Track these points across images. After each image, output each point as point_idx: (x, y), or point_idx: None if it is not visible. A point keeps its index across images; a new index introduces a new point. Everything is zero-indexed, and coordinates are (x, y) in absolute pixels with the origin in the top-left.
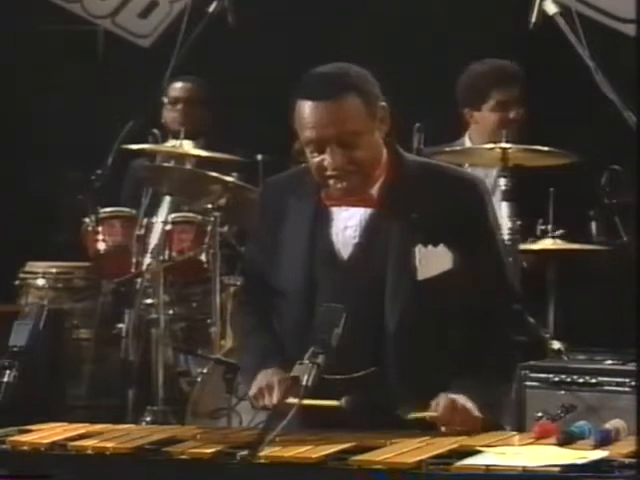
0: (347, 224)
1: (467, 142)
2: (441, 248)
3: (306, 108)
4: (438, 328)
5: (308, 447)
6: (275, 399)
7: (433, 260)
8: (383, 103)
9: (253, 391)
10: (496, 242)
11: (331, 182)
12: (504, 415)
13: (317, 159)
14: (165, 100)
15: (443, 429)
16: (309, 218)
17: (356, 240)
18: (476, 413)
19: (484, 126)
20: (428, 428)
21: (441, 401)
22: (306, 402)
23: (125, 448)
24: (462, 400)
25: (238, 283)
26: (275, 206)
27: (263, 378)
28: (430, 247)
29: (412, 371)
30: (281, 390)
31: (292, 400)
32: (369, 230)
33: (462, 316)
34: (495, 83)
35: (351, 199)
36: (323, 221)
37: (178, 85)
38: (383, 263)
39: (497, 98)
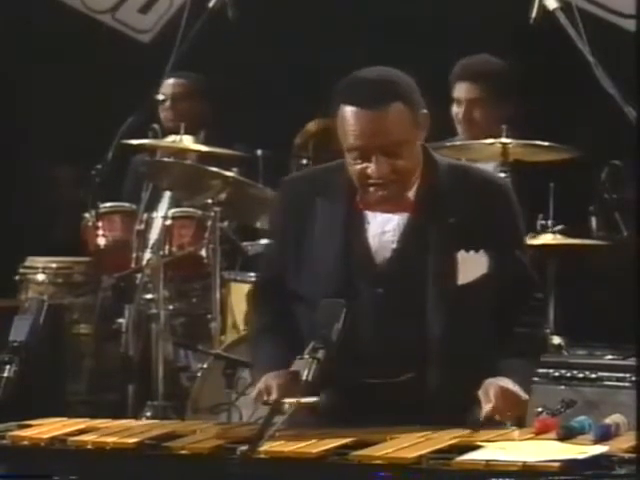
0: (384, 228)
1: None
2: (480, 253)
3: (352, 115)
4: (476, 329)
5: (308, 442)
6: (271, 399)
7: (471, 265)
8: (424, 110)
9: (254, 393)
10: (522, 240)
11: (372, 189)
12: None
13: (360, 166)
14: (159, 97)
15: (497, 417)
16: (342, 221)
17: (394, 245)
18: (523, 395)
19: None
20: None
21: (490, 391)
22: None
23: (125, 443)
24: (510, 385)
25: (238, 278)
26: (298, 206)
27: (265, 380)
28: (471, 252)
29: (455, 373)
30: (280, 391)
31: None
32: (407, 235)
33: (494, 312)
34: (456, 79)
35: (388, 204)
36: (358, 225)
37: (167, 82)
38: (423, 268)
39: (454, 94)
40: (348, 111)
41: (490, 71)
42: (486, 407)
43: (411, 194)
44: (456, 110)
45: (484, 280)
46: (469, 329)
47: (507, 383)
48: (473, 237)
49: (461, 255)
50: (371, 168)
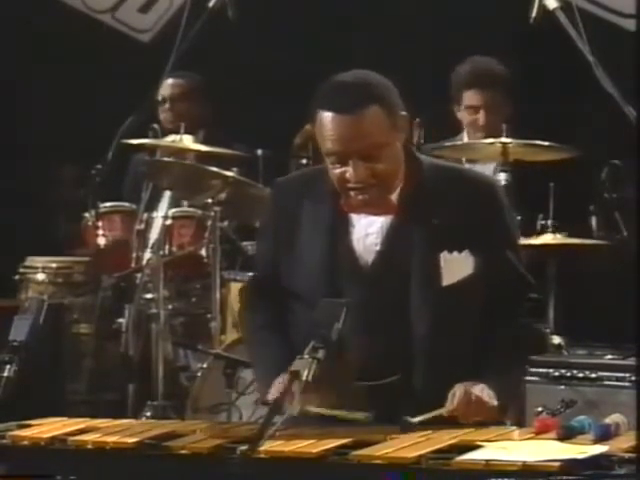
0: (368, 231)
1: (465, 138)
2: (464, 254)
3: (328, 120)
4: (462, 330)
5: (308, 442)
6: (295, 404)
7: (456, 266)
8: (403, 112)
9: (273, 396)
10: (513, 240)
11: (352, 193)
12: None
13: (339, 170)
14: (158, 98)
15: (462, 420)
16: (327, 224)
17: (378, 247)
18: (491, 402)
19: (464, 125)
20: (448, 423)
21: (456, 393)
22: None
23: (125, 443)
24: (477, 390)
25: (238, 277)
26: (288, 207)
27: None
28: (455, 253)
29: (441, 375)
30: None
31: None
32: (391, 237)
33: (482, 313)
34: (467, 85)
35: (370, 208)
36: (342, 227)
37: (165, 83)
38: (406, 270)
39: (467, 101)
40: (325, 116)
41: (499, 74)
42: (441, 409)
43: (394, 196)
44: (470, 118)
45: (470, 281)
46: (455, 330)
47: (476, 388)
48: (458, 238)
49: (445, 256)
50: (349, 172)
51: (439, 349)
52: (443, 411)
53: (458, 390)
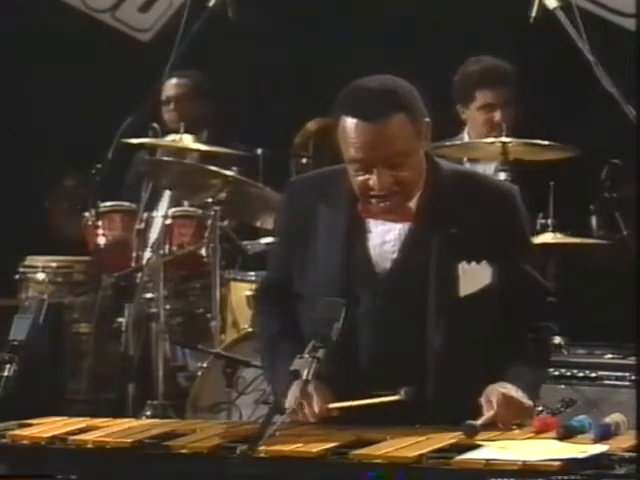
0: (385, 238)
1: (466, 138)
2: (483, 264)
3: (353, 127)
4: (478, 340)
5: (308, 441)
6: (316, 408)
7: (474, 276)
8: (427, 119)
9: (292, 404)
10: (530, 247)
11: (374, 200)
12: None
13: (362, 178)
14: (162, 98)
15: (500, 425)
16: (344, 229)
17: (395, 255)
18: (528, 402)
19: (473, 125)
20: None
21: (492, 397)
22: (363, 402)
23: (125, 442)
24: (512, 392)
25: (238, 277)
26: (302, 209)
27: (302, 390)
28: (473, 263)
29: (456, 384)
30: (319, 398)
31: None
32: (408, 245)
33: (501, 320)
34: (480, 84)
35: (390, 214)
36: (359, 233)
37: (169, 83)
38: (424, 279)
39: (481, 100)
40: (349, 123)
41: (509, 72)
42: (488, 414)
43: (412, 203)
44: (486, 117)
45: (488, 290)
46: (472, 340)
47: (510, 390)
48: (476, 247)
49: (464, 266)
50: (373, 180)
51: (455, 360)
52: (490, 415)
53: (492, 394)
